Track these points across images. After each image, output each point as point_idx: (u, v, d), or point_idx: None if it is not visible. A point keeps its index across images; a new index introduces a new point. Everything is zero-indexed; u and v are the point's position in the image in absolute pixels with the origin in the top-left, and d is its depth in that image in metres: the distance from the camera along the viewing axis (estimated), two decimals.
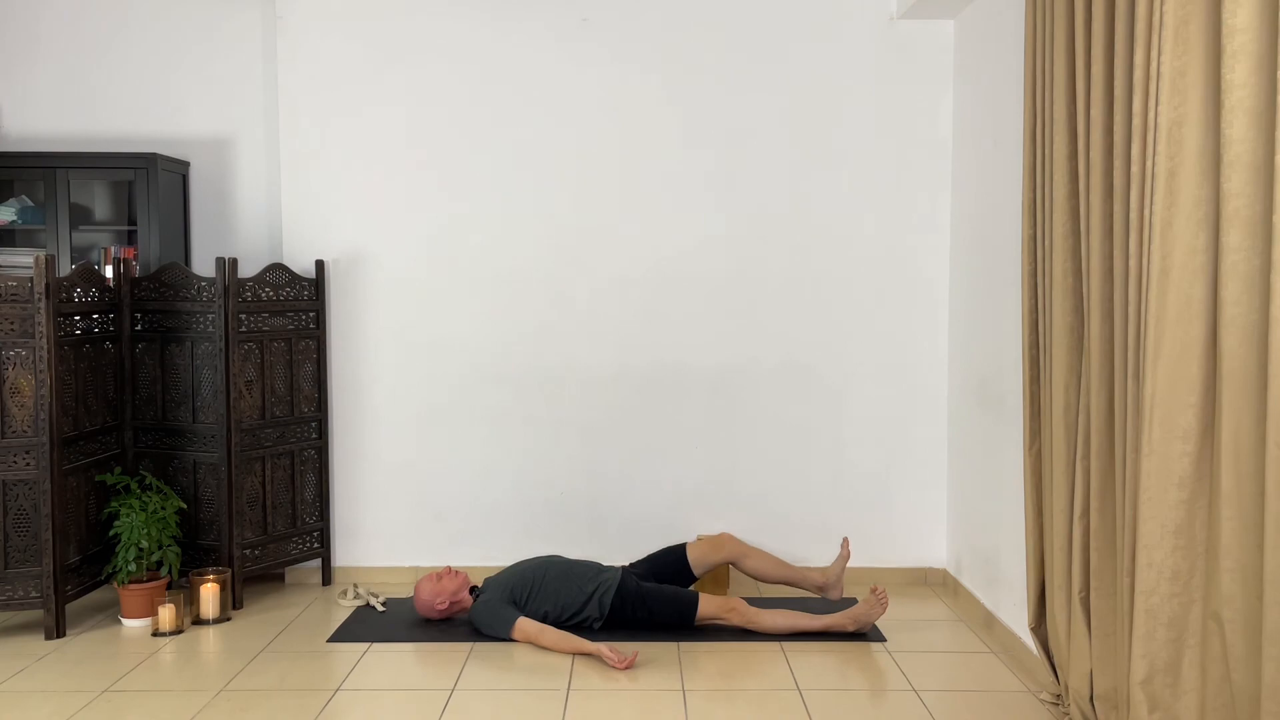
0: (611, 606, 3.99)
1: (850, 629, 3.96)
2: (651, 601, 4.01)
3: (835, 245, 4.67)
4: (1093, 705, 3.01)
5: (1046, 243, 3.17)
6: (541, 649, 3.86)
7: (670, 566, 4.24)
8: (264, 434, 4.44)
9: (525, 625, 3.90)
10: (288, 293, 4.52)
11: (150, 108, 4.86)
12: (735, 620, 3.99)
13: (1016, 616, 3.79)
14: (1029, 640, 3.60)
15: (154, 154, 4.59)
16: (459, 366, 4.72)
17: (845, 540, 4.31)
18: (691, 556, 4.25)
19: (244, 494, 4.36)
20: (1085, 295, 2.95)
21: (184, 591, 4.21)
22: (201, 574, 4.21)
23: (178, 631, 4.06)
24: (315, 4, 4.64)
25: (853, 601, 4.17)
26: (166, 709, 3.35)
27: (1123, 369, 2.73)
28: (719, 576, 4.51)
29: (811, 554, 4.74)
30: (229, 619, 4.24)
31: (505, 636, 3.92)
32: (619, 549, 4.59)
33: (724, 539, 4.32)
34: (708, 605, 4.00)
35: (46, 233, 4.64)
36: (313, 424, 4.65)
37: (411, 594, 4.36)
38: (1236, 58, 2.26)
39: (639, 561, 4.28)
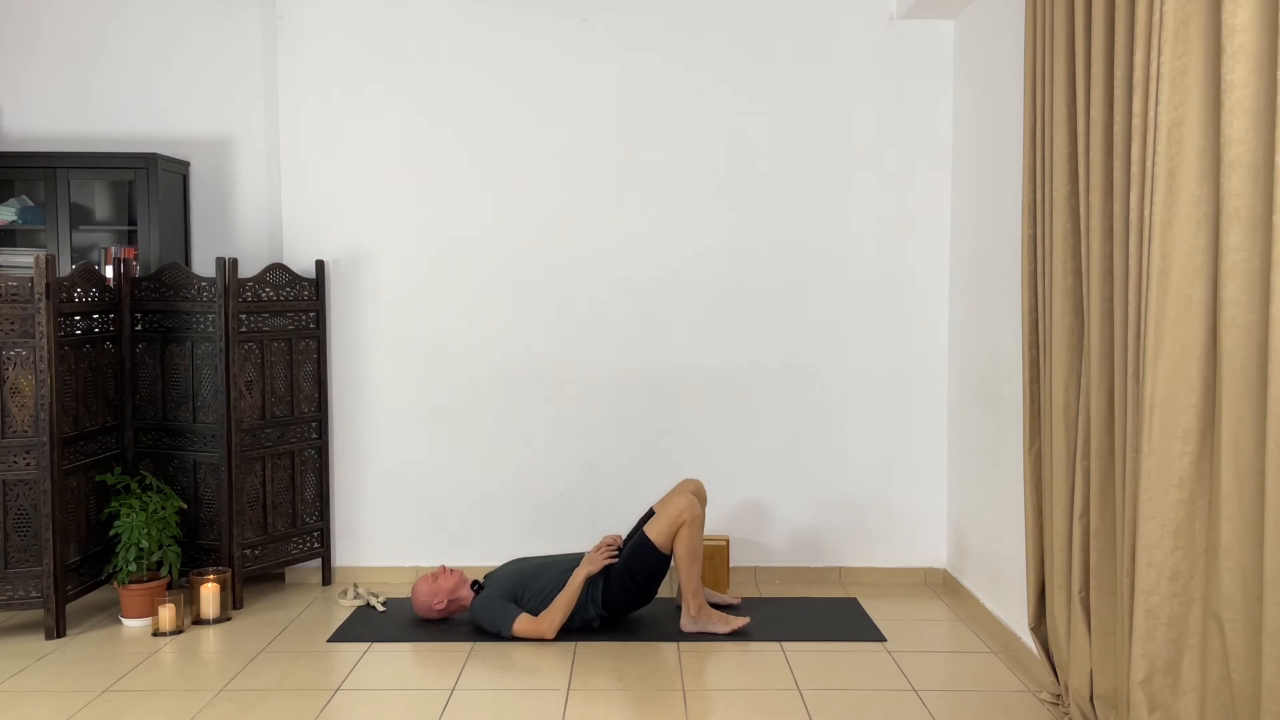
0: (605, 602, 4.00)
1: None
2: (629, 561, 4.00)
3: (835, 245, 4.67)
4: (1093, 705, 3.01)
5: (1046, 243, 3.17)
6: (543, 640, 3.90)
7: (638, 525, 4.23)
8: (264, 434, 4.44)
9: (524, 623, 3.91)
10: (288, 293, 4.52)
11: (150, 108, 4.87)
12: (695, 526, 3.94)
13: (1016, 616, 3.79)
14: (1029, 640, 3.61)
15: (154, 154, 4.59)
16: (459, 366, 4.72)
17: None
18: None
19: (244, 494, 4.36)
20: (1085, 295, 2.95)
21: (184, 591, 4.21)
22: (202, 574, 4.21)
23: (178, 631, 4.06)
24: (315, 3, 4.64)
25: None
26: (166, 709, 3.35)
27: (1123, 369, 2.73)
28: (718, 571, 4.51)
29: (811, 553, 4.74)
30: (229, 619, 4.24)
31: (506, 633, 3.93)
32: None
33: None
34: (656, 525, 3.97)
35: (46, 233, 4.64)
36: (313, 424, 4.65)
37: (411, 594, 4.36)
38: (1236, 58, 2.26)
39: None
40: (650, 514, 4.09)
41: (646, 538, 4.00)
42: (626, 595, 4.01)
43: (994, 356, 4.08)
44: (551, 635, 3.91)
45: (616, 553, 4.04)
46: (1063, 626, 3.17)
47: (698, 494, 4.17)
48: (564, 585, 4.02)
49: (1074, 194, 3.06)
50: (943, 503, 4.72)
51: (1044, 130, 3.20)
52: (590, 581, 4.00)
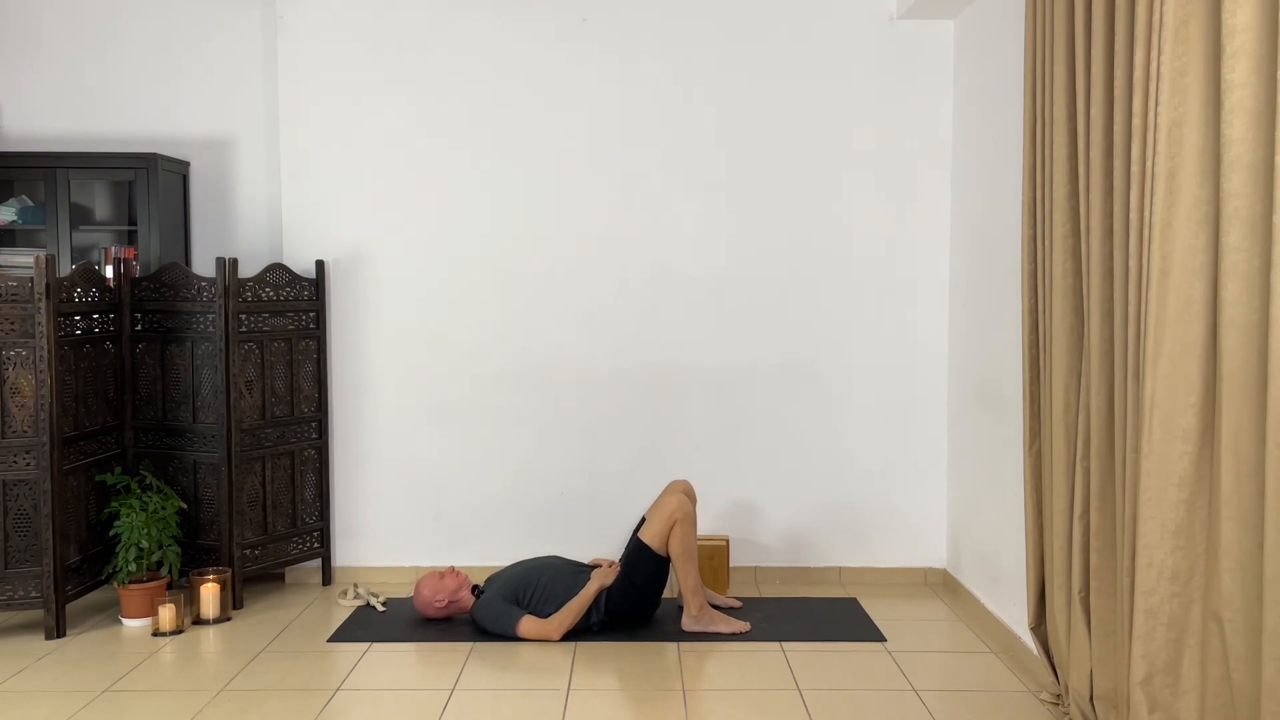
0: (607, 609, 4.00)
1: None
2: (628, 568, 4.02)
3: (835, 245, 4.67)
4: (1093, 705, 3.01)
5: (1046, 243, 3.17)
6: (548, 641, 3.91)
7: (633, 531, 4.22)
8: (264, 434, 4.44)
9: (530, 624, 3.92)
10: (288, 293, 4.52)
11: (150, 108, 4.87)
12: (687, 524, 3.96)
13: (1016, 616, 3.79)
14: (1029, 640, 3.61)
15: (154, 154, 4.59)
16: (459, 366, 4.72)
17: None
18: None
19: (244, 494, 4.36)
20: (1085, 295, 2.95)
21: (184, 591, 4.21)
22: (202, 574, 4.21)
23: (178, 631, 4.06)
24: (315, 3, 4.64)
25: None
26: (166, 709, 3.35)
27: (1123, 369, 2.73)
28: (718, 571, 4.51)
29: (812, 553, 4.74)
30: (229, 619, 4.24)
31: (511, 634, 3.93)
32: (619, 549, 4.58)
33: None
34: (649, 528, 3.99)
35: (46, 233, 4.64)
36: (313, 424, 4.65)
37: (411, 594, 4.36)
38: (1236, 58, 2.26)
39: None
40: (643, 521, 4.11)
41: (641, 542, 4.01)
42: (629, 601, 4.01)
43: (994, 356, 4.08)
44: (558, 638, 3.92)
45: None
46: (1063, 626, 3.17)
47: (687, 493, 4.18)
48: (564, 584, 4.03)
49: (1074, 194, 3.06)
50: (943, 503, 4.72)
51: (1044, 130, 3.20)
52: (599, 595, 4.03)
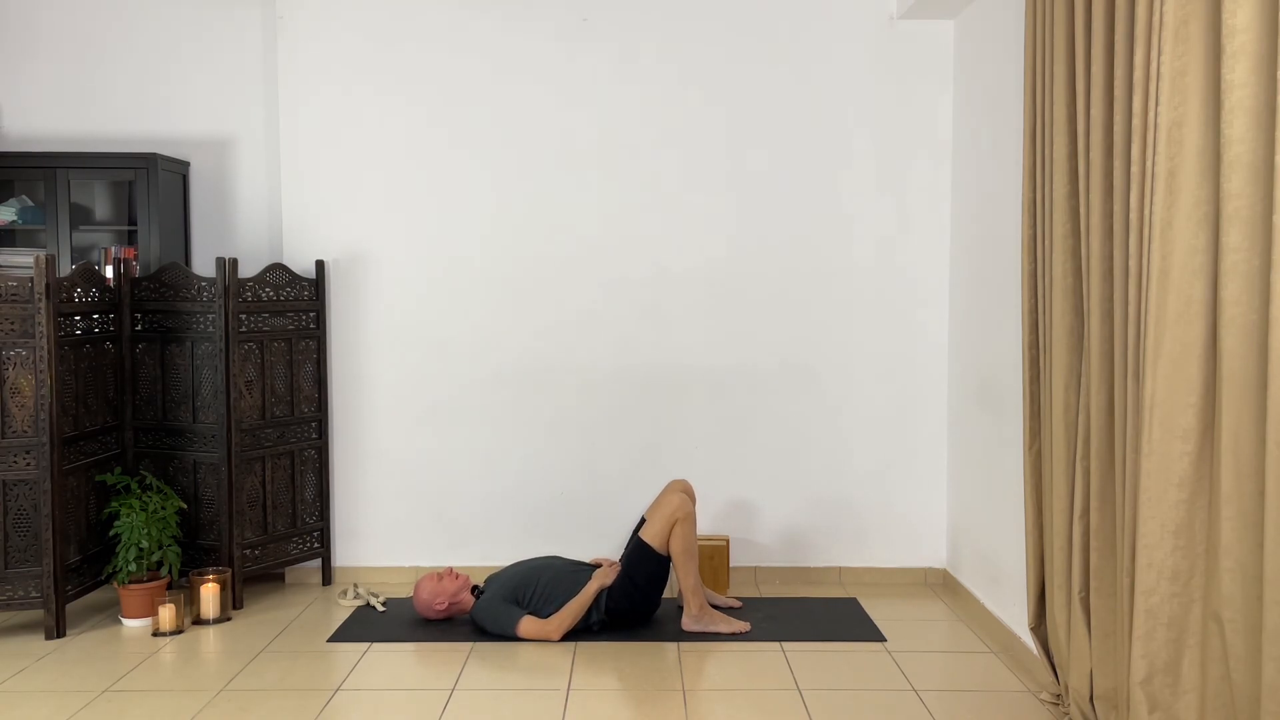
0: (608, 608, 4.00)
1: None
2: (629, 568, 4.02)
3: (835, 245, 4.67)
4: (1093, 705, 3.01)
5: (1046, 243, 3.17)
6: (548, 642, 3.91)
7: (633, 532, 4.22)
8: (264, 434, 4.44)
9: (530, 625, 3.92)
10: (288, 293, 4.52)
11: (150, 108, 4.87)
12: (688, 524, 3.96)
13: (1016, 616, 3.79)
14: (1029, 640, 3.61)
15: (154, 154, 4.59)
16: (459, 366, 4.72)
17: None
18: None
19: (244, 494, 4.36)
20: (1085, 295, 2.95)
21: (184, 591, 4.21)
22: (202, 574, 4.21)
23: (178, 631, 4.06)
24: (315, 3, 4.64)
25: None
26: (166, 709, 3.35)
27: (1123, 369, 2.73)
28: (718, 571, 4.51)
29: (812, 553, 4.74)
30: (229, 619, 4.24)
31: (511, 634, 3.93)
32: (619, 549, 4.58)
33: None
34: (650, 527, 3.99)
35: (46, 233, 4.64)
36: (313, 424, 4.65)
37: (411, 594, 4.36)
38: (1236, 58, 2.26)
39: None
40: (643, 521, 4.11)
41: (643, 541, 4.01)
42: (629, 600, 4.02)
43: (994, 356, 4.08)
44: (557, 638, 3.93)
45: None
46: (1063, 626, 3.17)
47: (686, 492, 4.18)
48: (564, 584, 4.03)
49: (1074, 194, 3.06)
50: (942, 503, 4.72)
51: (1044, 130, 3.20)
52: (600, 595, 4.03)
